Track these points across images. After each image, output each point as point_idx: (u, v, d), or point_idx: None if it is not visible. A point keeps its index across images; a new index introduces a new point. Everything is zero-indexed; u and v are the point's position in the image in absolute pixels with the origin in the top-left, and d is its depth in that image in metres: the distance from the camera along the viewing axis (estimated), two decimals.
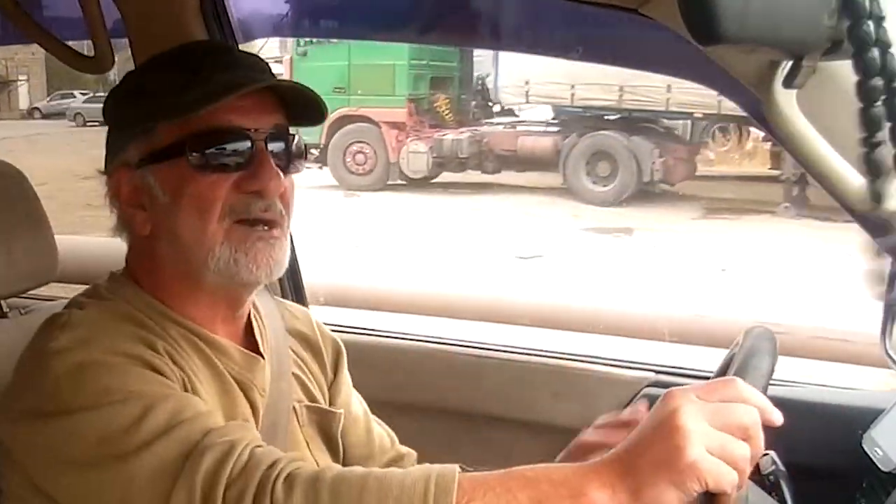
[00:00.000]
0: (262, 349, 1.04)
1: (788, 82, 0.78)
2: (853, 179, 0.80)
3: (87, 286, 1.00)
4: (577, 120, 11.62)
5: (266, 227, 0.94)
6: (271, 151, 0.94)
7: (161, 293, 0.97)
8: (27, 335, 0.94)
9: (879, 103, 0.65)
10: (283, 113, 0.97)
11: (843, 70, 0.68)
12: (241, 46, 1.62)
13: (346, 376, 1.19)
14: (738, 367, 0.89)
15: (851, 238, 1.04)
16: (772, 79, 0.82)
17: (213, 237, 0.92)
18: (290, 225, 0.98)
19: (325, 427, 1.11)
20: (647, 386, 1.55)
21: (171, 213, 0.93)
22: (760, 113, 0.87)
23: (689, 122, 11.17)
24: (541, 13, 1.39)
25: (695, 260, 7.87)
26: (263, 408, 1.00)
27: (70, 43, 1.42)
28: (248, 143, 0.92)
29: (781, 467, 0.97)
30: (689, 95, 9.63)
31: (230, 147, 0.92)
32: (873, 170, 0.67)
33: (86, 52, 1.43)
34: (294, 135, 0.99)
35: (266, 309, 1.09)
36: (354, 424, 1.18)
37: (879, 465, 1.09)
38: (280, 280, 1.71)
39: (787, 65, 0.78)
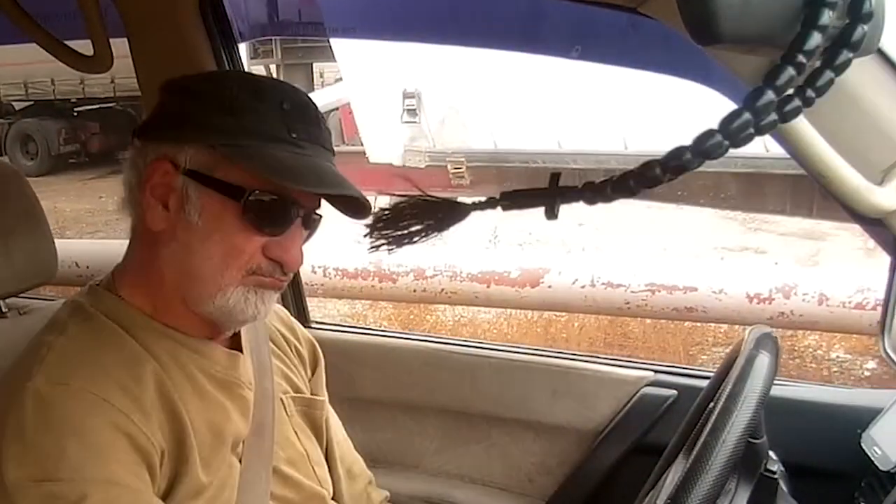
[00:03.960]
0: (242, 343, 1.05)
1: None
2: (854, 180, 0.80)
3: (68, 302, 0.98)
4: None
5: (274, 287, 0.96)
6: (305, 224, 0.97)
7: (146, 300, 0.96)
8: (26, 335, 0.94)
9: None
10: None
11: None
12: (240, 46, 1.62)
13: (322, 376, 1.21)
14: (740, 368, 0.89)
15: None
16: None
17: (229, 281, 0.92)
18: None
19: (311, 415, 1.14)
20: (646, 385, 1.56)
21: (195, 239, 0.92)
22: None
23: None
24: (540, 13, 1.39)
25: None
26: (252, 402, 1.01)
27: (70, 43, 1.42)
28: (294, 216, 0.94)
29: (781, 467, 0.97)
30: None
31: (279, 214, 0.93)
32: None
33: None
34: None
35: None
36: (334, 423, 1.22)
37: (878, 465, 1.09)
38: None
39: None
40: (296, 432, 1.10)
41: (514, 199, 0.69)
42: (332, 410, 1.23)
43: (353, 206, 0.95)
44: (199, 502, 0.91)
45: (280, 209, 0.92)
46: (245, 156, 0.89)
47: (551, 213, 0.67)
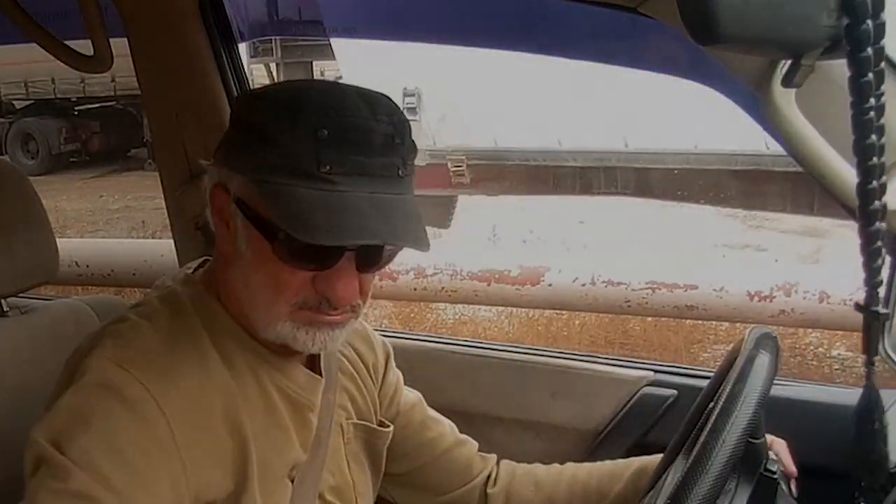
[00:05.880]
0: (321, 366, 1.02)
1: (787, 82, 0.78)
2: (852, 179, 0.79)
3: (162, 286, 0.97)
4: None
5: (329, 322, 0.90)
6: (360, 258, 0.88)
7: (234, 307, 0.93)
8: (27, 334, 0.94)
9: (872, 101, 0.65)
10: None
11: (842, 69, 0.68)
12: (238, 46, 1.62)
13: (392, 377, 1.18)
14: (740, 368, 0.89)
15: None
16: (771, 78, 0.82)
17: (278, 314, 0.89)
18: (366, 304, 0.95)
19: (371, 445, 1.11)
20: (646, 385, 1.55)
21: (248, 269, 0.89)
22: (760, 112, 0.87)
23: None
24: (540, 13, 1.39)
25: None
26: (315, 427, 0.99)
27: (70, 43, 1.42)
28: (338, 255, 0.86)
29: (781, 467, 0.97)
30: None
31: (320, 255, 0.85)
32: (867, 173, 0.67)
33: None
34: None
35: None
36: (407, 422, 1.19)
37: None
38: None
39: (785, 64, 0.78)
40: (347, 460, 1.07)
41: None
42: (438, 421, 1.22)
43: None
44: None
45: (320, 252, 0.84)
46: (270, 193, 0.83)
47: None
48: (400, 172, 0.86)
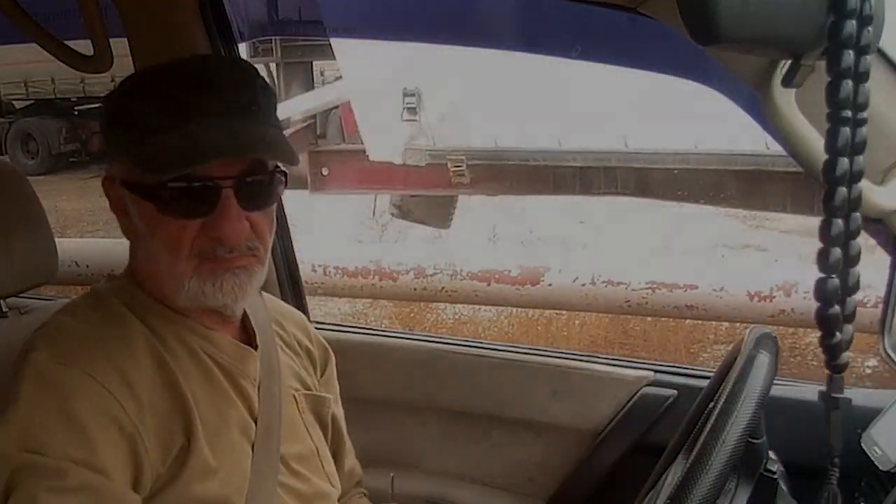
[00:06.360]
0: (256, 341, 1.08)
1: (787, 81, 0.77)
2: None
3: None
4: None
5: (231, 267, 0.96)
6: (239, 194, 0.94)
7: (158, 291, 1.00)
8: (27, 335, 0.94)
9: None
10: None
11: None
12: (238, 46, 1.62)
13: (332, 378, 1.24)
14: (740, 368, 0.89)
15: None
16: (771, 78, 0.82)
17: (182, 273, 0.96)
18: (267, 248, 1.00)
19: (319, 412, 1.16)
20: (647, 385, 1.56)
21: (147, 242, 0.98)
22: (760, 112, 0.87)
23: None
24: (540, 13, 1.39)
25: None
26: (259, 397, 1.04)
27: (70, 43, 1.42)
28: (215, 193, 0.93)
29: (781, 467, 0.97)
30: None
31: (197, 196, 0.93)
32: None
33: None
34: (273, 169, 0.99)
35: (258, 319, 1.12)
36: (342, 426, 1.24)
37: (878, 465, 1.08)
38: (280, 282, 1.72)
39: (785, 64, 0.78)
40: (307, 429, 1.12)
41: None
42: (342, 413, 1.25)
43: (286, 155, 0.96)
44: (209, 484, 0.94)
45: (194, 194, 0.93)
46: (140, 158, 0.93)
47: None
48: (254, 108, 0.95)
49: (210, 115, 0.92)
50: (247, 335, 1.09)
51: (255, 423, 1.03)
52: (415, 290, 4.28)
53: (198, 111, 0.92)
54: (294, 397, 1.12)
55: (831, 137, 0.68)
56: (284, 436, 1.05)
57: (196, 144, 0.91)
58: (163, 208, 0.93)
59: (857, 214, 0.70)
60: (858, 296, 0.73)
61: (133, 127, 0.94)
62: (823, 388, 0.75)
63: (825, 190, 0.68)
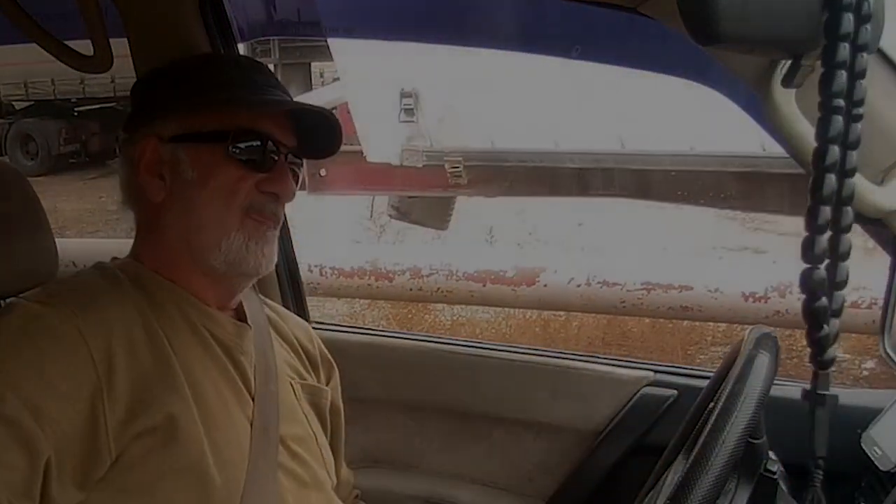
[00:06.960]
0: (248, 322, 1.11)
1: (787, 81, 0.78)
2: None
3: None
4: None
5: (272, 225, 1.04)
6: (290, 164, 1.06)
7: (163, 268, 1.04)
8: None
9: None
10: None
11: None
12: (238, 46, 1.62)
13: (337, 394, 1.24)
14: (740, 368, 0.89)
15: None
16: (771, 78, 0.82)
17: (230, 223, 1.01)
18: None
19: (316, 404, 1.17)
20: (646, 385, 1.56)
21: (193, 192, 1.01)
22: (760, 112, 0.87)
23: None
24: (539, 13, 1.39)
25: None
26: (254, 376, 1.05)
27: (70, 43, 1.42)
28: (278, 153, 1.04)
29: (781, 467, 0.97)
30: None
31: (263, 152, 1.02)
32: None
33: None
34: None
35: (251, 307, 1.14)
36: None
37: (878, 465, 1.09)
38: (280, 283, 1.71)
39: (785, 64, 0.78)
40: (305, 415, 1.13)
41: None
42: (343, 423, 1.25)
43: (325, 148, 1.11)
44: (201, 456, 0.93)
45: (262, 148, 1.02)
46: (218, 100, 1.03)
47: None
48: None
49: (278, 90, 1.07)
50: (239, 317, 1.11)
51: (253, 401, 1.03)
52: (411, 290, 4.27)
53: (267, 85, 1.07)
54: (291, 385, 1.13)
55: (822, 126, 0.68)
56: (283, 416, 1.06)
57: (277, 102, 1.06)
58: (233, 154, 1.00)
59: (849, 209, 0.70)
60: (854, 297, 0.72)
61: (198, 82, 1.05)
62: (807, 385, 0.75)
63: (813, 177, 0.68)
